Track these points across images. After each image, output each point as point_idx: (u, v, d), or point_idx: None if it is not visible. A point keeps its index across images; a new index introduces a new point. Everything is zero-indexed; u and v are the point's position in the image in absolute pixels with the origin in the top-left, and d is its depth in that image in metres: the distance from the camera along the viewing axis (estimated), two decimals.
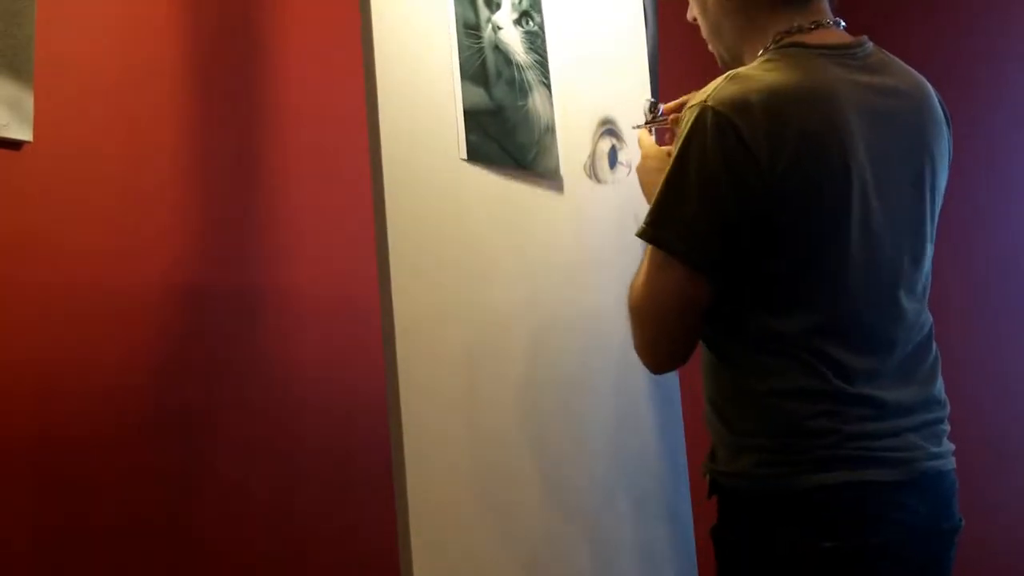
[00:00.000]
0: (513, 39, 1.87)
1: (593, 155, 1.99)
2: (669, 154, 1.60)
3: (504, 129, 1.83)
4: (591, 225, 1.97)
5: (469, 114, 1.77)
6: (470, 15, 1.81)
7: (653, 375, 1.89)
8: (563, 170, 1.93)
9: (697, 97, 1.49)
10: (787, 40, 1.54)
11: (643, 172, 1.78)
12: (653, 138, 1.90)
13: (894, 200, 1.52)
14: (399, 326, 1.60)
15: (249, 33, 2.18)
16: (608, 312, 1.94)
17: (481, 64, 1.81)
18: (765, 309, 1.49)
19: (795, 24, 1.55)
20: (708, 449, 1.59)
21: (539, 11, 1.92)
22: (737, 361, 1.52)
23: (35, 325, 1.84)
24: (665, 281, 1.48)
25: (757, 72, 1.49)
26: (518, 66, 1.87)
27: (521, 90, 1.87)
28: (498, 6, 1.86)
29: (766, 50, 1.55)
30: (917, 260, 1.56)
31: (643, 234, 1.50)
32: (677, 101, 1.84)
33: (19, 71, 1.81)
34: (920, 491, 1.48)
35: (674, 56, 2.46)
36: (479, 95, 1.80)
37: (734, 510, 1.52)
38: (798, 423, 1.46)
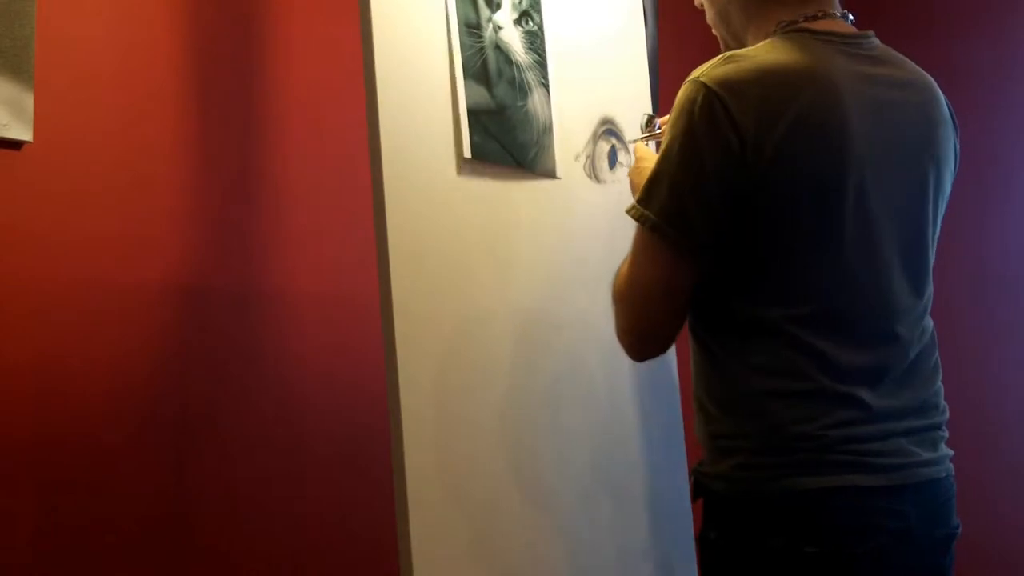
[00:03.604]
0: (513, 39, 1.87)
1: (593, 155, 2.00)
2: None
3: (505, 128, 1.83)
4: (591, 225, 1.97)
5: (472, 113, 1.77)
6: (471, 14, 1.81)
7: (654, 372, 1.90)
8: (563, 170, 1.93)
9: (690, 76, 1.47)
10: (791, 27, 1.52)
11: (635, 173, 1.76)
12: (653, 148, 1.89)
13: (894, 192, 1.49)
14: (399, 325, 1.60)
15: (249, 32, 2.18)
16: (608, 309, 1.94)
17: (483, 64, 1.81)
18: (752, 298, 1.45)
19: (801, 12, 1.53)
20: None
21: (539, 11, 1.92)
22: (723, 357, 1.49)
23: (35, 325, 1.84)
24: (649, 261, 1.46)
25: (754, 52, 1.47)
26: (518, 66, 1.87)
27: (521, 90, 1.87)
28: (498, 6, 1.86)
29: (770, 36, 1.53)
30: (916, 257, 1.52)
31: (632, 212, 1.47)
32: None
33: (19, 71, 1.81)
34: (910, 497, 1.44)
35: (674, 56, 2.46)
36: (481, 94, 1.80)
37: (716, 513, 1.49)
38: (781, 426, 1.42)
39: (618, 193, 2.02)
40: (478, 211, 1.77)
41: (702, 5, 1.68)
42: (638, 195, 1.48)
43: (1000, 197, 3.05)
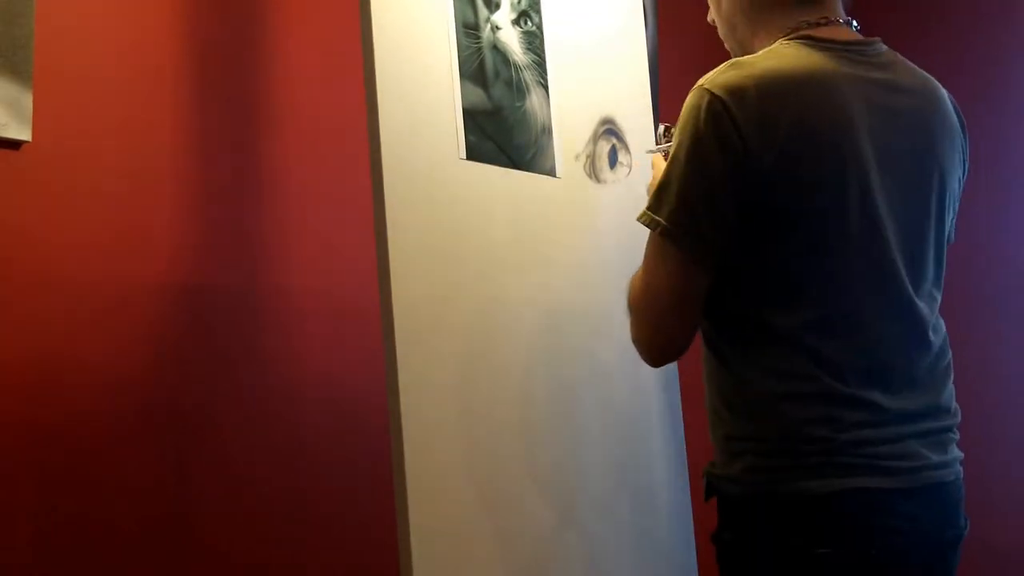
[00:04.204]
0: (511, 39, 1.87)
1: (593, 155, 1.99)
2: None
3: (502, 129, 1.83)
4: (591, 225, 1.97)
5: (468, 114, 1.77)
6: (469, 15, 1.81)
7: (653, 373, 1.89)
8: (563, 170, 1.93)
9: (697, 83, 1.49)
10: (795, 34, 1.54)
11: (654, 183, 1.76)
12: None
13: (898, 196, 1.50)
14: (399, 325, 1.60)
15: (249, 33, 2.18)
16: (607, 311, 1.94)
17: (480, 64, 1.81)
18: (762, 302, 1.47)
19: (804, 20, 1.55)
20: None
21: (538, 11, 1.92)
22: (735, 361, 1.50)
23: (34, 324, 1.84)
24: (661, 266, 1.48)
25: (758, 59, 1.49)
26: (516, 66, 1.87)
27: (519, 90, 1.87)
28: (497, 6, 1.86)
29: (767, 47, 1.55)
30: (922, 261, 1.53)
31: (642, 218, 1.49)
32: None
33: (18, 71, 1.81)
34: (922, 500, 1.45)
35: (674, 56, 2.46)
36: (478, 95, 1.80)
37: (730, 514, 1.50)
38: (794, 428, 1.43)
39: (618, 193, 2.02)
40: (478, 211, 1.77)
41: (714, 21, 1.70)
42: (649, 201, 1.50)
43: (1004, 198, 3.05)
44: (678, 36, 2.51)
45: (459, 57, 1.77)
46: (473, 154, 1.77)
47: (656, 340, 1.53)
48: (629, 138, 2.06)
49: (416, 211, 1.67)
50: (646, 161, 2.08)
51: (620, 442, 1.95)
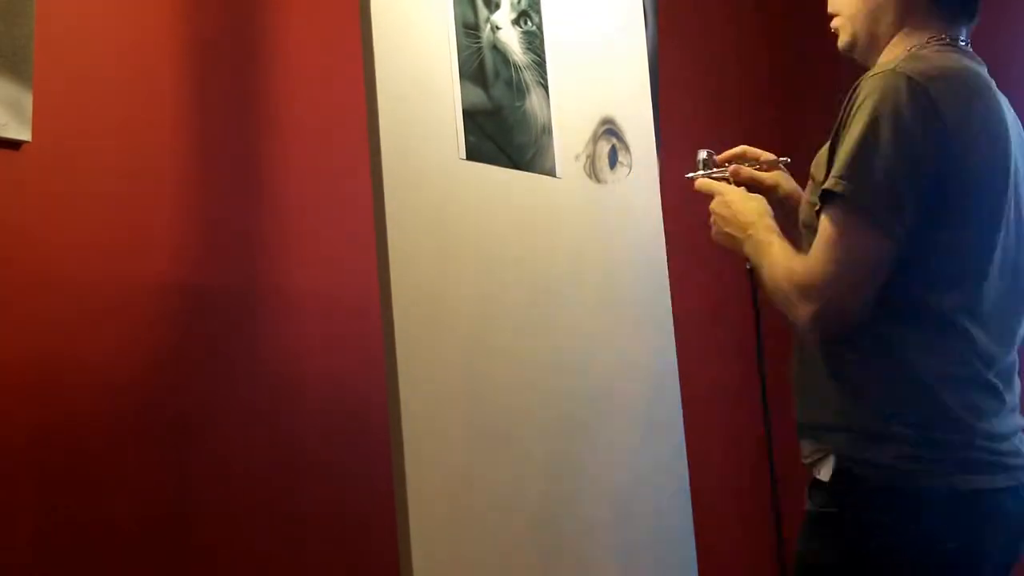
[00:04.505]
0: (511, 39, 1.87)
1: (593, 155, 1.99)
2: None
3: (502, 129, 1.83)
4: (591, 224, 1.97)
5: (468, 114, 1.77)
6: (469, 15, 1.81)
7: (652, 368, 1.90)
8: (563, 170, 1.93)
9: (875, 71, 1.53)
10: (938, 41, 1.59)
11: (724, 206, 1.74)
12: None
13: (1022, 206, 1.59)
14: (399, 324, 1.60)
15: (249, 33, 2.18)
16: (608, 310, 1.95)
17: (480, 64, 1.81)
18: (931, 284, 1.50)
19: (948, 33, 1.61)
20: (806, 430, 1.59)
21: (537, 11, 1.92)
22: (888, 337, 1.51)
23: (34, 324, 1.84)
24: (858, 238, 1.47)
25: (932, 56, 1.55)
26: (516, 66, 1.87)
27: (519, 90, 1.87)
28: (497, 6, 1.86)
29: (914, 47, 1.59)
30: None
31: (836, 186, 1.47)
32: (732, 152, 1.83)
33: (18, 71, 1.81)
34: (1020, 498, 1.53)
35: (674, 56, 2.46)
36: (478, 95, 1.80)
37: (864, 500, 1.51)
38: (947, 413, 1.48)
39: (618, 193, 2.02)
40: (478, 211, 1.77)
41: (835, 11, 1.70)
42: (839, 170, 1.47)
43: None
44: (678, 36, 2.50)
45: (459, 57, 1.77)
46: (473, 154, 1.77)
47: (838, 312, 1.51)
48: (629, 138, 2.06)
49: (416, 211, 1.67)
50: (646, 161, 2.09)
51: (620, 438, 1.95)
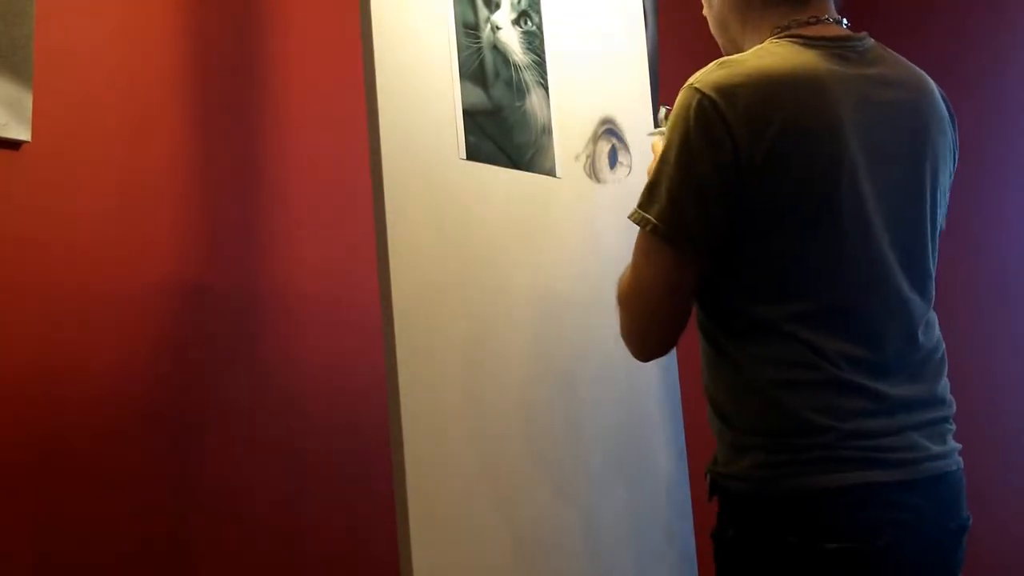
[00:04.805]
0: (511, 39, 1.87)
1: (593, 155, 2.00)
2: None
3: (502, 129, 1.83)
4: (591, 224, 1.97)
5: (468, 114, 1.77)
6: (469, 15, 1.81)
7: (652, 368, 1.89)
8: (563, 170, 1.93)
9: (687, 82, 1.50)
10: (784, 33, 1.55)
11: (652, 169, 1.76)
12: None
13: (890, 190, 1.51)
14: (399, 324, 1.60)
15: (249, 33, 2.18)
16: (607, 311, 1.94)
17: (480, 64, 1.81)
18: (754, 296, 1.48)
19: (793, 18, 1.56)
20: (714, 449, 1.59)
21: (537, 11, 1.92)
22: (732, 353, 1.50)
23: (34, 326, 1.84)
24: (651, 264, 1.49)
25: (747, 58, 1.51)
26: (516, 66, 1.87)
27: (519, 90, 1.87)
28: (497, 6, 1.86)
29: (764, 41, 1.56)
30: (915, 252, 1.54)
31: (633, 216, 1.51)
32: None
33: (18, 71, 1.81)
34: (924, 491, 1.46)
35: (674, 56, 2.46)
36: (478, 95, 1.80)
37: (733, 512, 1.50)
38: (795, 417, 1.44)
39: (618, 193, 2.02)
40: (478, 211, 1.77)
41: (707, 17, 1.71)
42: (639, 199, 1.51)
43: (998, 195, 3.05)
44: (678, 36, 2.51)
45: (459, 57, 1.78)
46: (473, 154, 1.77)
47: (646, 336, 1.55)
48: (629, 138, 2.06)
49: (416, 211, 1.67)
50: (646, 162, 2.09)
51: (620, 434, 1.95)
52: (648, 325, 1.53)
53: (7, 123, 1.80)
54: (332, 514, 2.19)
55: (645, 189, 1.50)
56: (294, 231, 2.20)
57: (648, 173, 1.74)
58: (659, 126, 1.86)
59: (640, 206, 1.50)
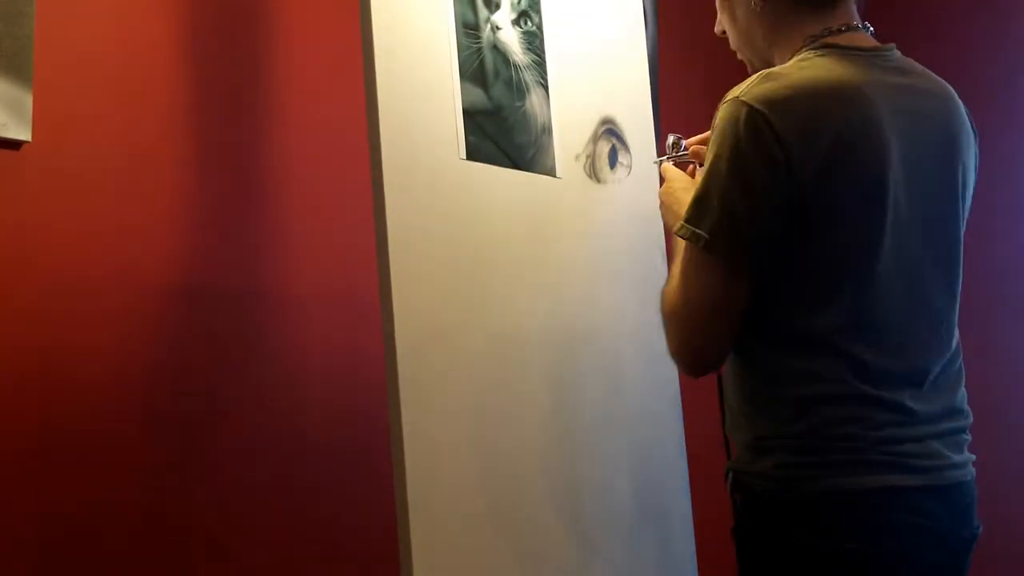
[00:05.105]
0: (511, 39, 1.87)
1: (593, 155, 2.00)
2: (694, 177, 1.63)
3: (502, 129, 1.83)
4: (591, 225, 1.97)
5: (468, 114, 1.77)
6: (469, 15, 1.81)
7: (651, 367, 1.89)
8: (563, 170, 1.93)
9: (728, 96, 1.49)
10: (819, 42, 1.55)
11: (667, 195, 1.72)
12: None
13: (925, 201, 1.52)
14: (399, 326, 1.60)
15: (249, 33, 2.18)
16: (607, 312, 1.95)
17: (480, 64, 1.81)
18: (793, 306, 1.48)
19: (825, 27, 1.56)
20: (733, 451, 1.58)
21: (538, 11, 1.93)
22: (767, 363, 1.50)
23: (35, 325, 1.84)
24: (703, 279, 1.47)
25: (791, 70, 1.50)
26: (516, 66, 1.87)
27: (519, 90, 1.87)
28: (497, 6, 1.86)
29: (797, 52, 1.55)
30: (949, 263, 1.55)
31: (681, 231, 1.48)
32: (700, 136, 1.80)
33: (19, 71, 1.81)
34: (942, 498, 1.48)
35: (674, 56, 2.46)
36: (478, 95, 1.80)
37: (755, 511, 1.51)
38: (825, 427, 1.45)
39: (618, 193, 2.02)
40: (478, 211, 1.78)
41: (723, 32, 1.69)
42: (686, 214, 1.49)
43: (1008, 203, 3.06)
44: (678, 36, 2.51)
45: (459, 57, 1.78)
46: (473, 154, 1.77)
47: (700, 353, 1.52)
48: (629, 138, 2.06)
49: (416, 211, 1.67)
50: (646, 161, 2.09)
51: (619, 430, 1.95)
52: (703, 341, 1.50)
53: (7, 123, 1.80)
54: (334, 513, 2.18)
55: (692, 203, 1.48)
56: (294, 230, 2.20)
57: (663, 197, 1.73)
58: (668, 153, 1.84)
59: (688, 220, 1.47)
